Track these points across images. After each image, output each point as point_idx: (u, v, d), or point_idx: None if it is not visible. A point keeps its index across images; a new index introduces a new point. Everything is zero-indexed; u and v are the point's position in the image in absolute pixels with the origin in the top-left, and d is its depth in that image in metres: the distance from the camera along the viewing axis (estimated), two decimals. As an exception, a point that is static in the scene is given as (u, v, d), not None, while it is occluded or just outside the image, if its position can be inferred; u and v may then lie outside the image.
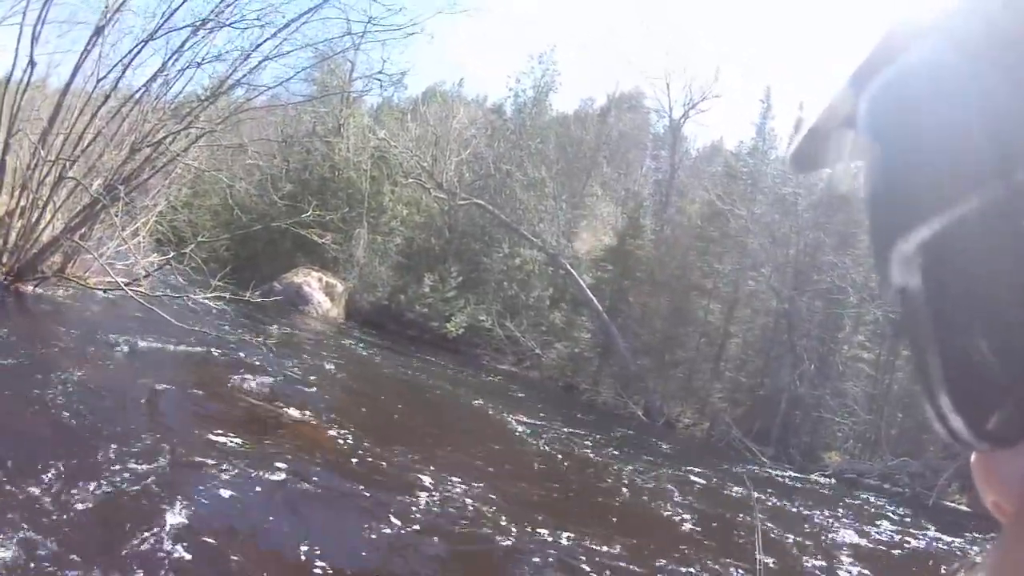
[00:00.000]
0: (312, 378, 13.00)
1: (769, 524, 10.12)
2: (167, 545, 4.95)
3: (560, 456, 12.25)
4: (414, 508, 7.23)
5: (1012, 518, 0.35)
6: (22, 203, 13.37)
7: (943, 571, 10.16)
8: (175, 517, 5.37)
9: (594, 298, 26.60)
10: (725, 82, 35.51)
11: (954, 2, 0.34)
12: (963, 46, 0.33)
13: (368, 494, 7.34)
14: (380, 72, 17.98)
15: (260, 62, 14.85)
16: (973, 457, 0.38)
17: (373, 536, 6.27)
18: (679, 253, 28.51)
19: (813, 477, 17.31)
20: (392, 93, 38.67)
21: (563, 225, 30.12)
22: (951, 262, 0.35)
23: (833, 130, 0.44)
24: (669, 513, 9.89)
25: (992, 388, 0.34)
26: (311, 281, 27.57)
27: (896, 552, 11.00)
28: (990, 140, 0.31)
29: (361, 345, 21.45)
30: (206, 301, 14.73)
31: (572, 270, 27.66)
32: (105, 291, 14.10)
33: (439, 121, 34.18)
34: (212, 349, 12.79)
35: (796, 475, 17.30)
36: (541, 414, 16.84)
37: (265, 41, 14.61)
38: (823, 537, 10.60)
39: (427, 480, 8.27)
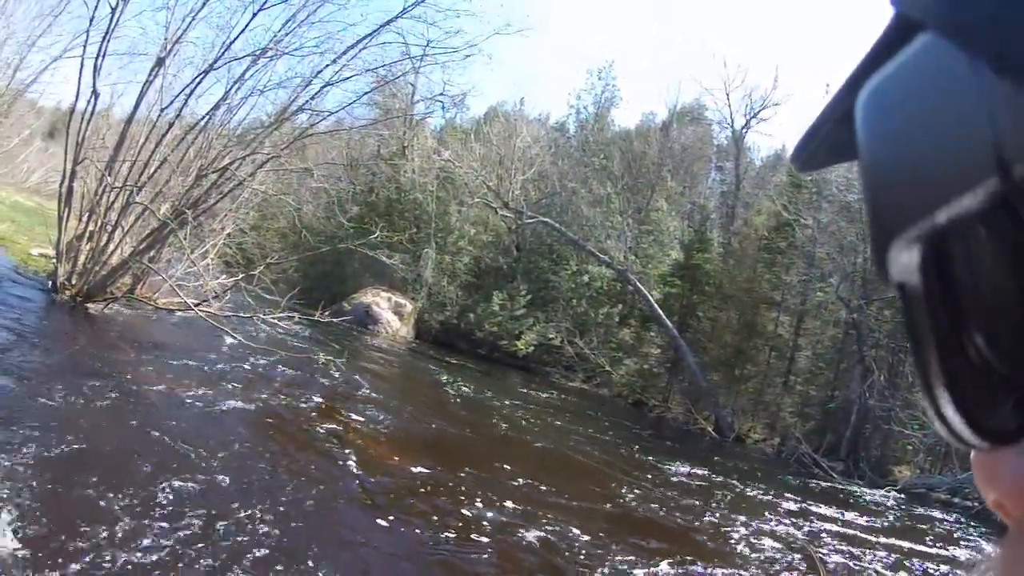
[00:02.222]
0: (382, 396, 13.27)
1: (836, 541, 10.48)
2: (227, 557, 5.13)
3: (628, 474, 12.31)
4: (482, 525, 7.33)
5: (1015, 517, 0.36)
6: (90, 227, 14.08)
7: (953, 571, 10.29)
8: (239, 531, 5.58)
9: (663, 313, 26.82)
10: (784, 89, 35.76)
11: None
12: (957, 40, 0.33)
13: (436, 511, 7.41)
14: (441, 94, 18.84)
15: (321, 88, 15.15)
16: (973, 456, 0.39)
17: (441, 554, 6.35)
18: (747, 265, 28.73)
19: (882, 492, 17.08)
20: (455, 114, 39.22)
21: (630, 241, 30.35)
22: (949, 258, 0.36)
23: (833, 128, 0.46)
24: (733, 531, 9.96)
25: (991, 386, 0.35)
26: (380, 301, 28.37)
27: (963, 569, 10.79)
28: (987, 135, 0.31)
29: (430, 364, 21.78)
30: (276, 321, 15.24)
31: (640, 286, 27.88)
32: (175, 311, 14.58)
33: (503, 140, 34.81)
34: (282, 367, 13.15)
35: (865, 490, 17.16)
36: (610, 431, 17.12)
37: (326, 67, 14.98)
38: (888, 553, 10.59)
39: (497, 499, 8.39)
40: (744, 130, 34.39)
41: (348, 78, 15.54)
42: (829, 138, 0.45)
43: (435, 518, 7.15)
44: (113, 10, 13.51)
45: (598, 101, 38.54)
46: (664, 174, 35.20)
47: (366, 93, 19.32)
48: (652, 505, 10.15)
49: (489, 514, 7.69)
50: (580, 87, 55.48)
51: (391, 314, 28.34)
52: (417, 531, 6.72)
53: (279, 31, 14.88)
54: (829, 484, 17.15)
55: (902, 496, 16.90)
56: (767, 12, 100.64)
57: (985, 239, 0.33)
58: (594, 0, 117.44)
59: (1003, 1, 0.31)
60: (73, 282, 13.69)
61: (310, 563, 5.43)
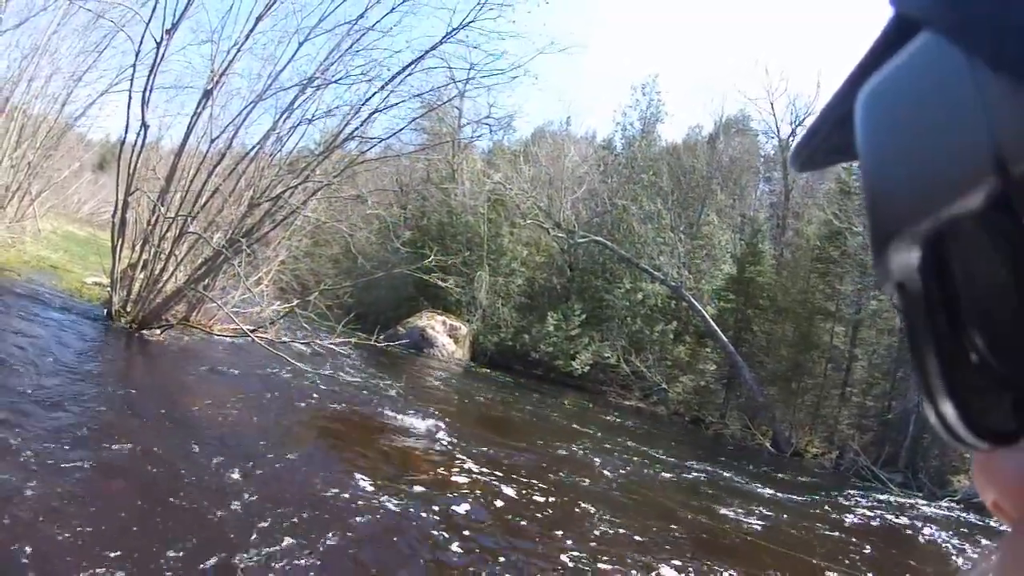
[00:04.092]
0: (440, 418, 13.27)
1: (894, 554, 10.83)
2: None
3: (688, 493, 12.55)
4: (543, 545, 7.48)
5: (1013, 518, 0.37)
6: (144, 256, 14.59)
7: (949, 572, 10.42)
8: (302, 550, 5.70)
9: (718, 329, 27.19)
10: (828, 95, 35.99)
11: None
12: (955, 39, 0.34)
13: (495, 530, 7.55)
14: (488, 116, 19.27)
15: (369, 115, 15.32)
16: (974, 458, 0.39)
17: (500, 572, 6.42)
18: (800, 277, 28.78)
19: (941, 504, 17.14)
20: (502, 136, 39.55)
21: (682, 256, 30.64)
22: (948, 258, 0.36)
23: (833, 128, 0.47)
24: (792, 547, 10.13)
25: (990, 386, 0.35)
26: (435, 324, 28.91)
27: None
28: (985, 134, 0.31)
29: (487, 385, 22.10)
30: (332, 346, 15.48)
31: (695, 301, 28.28)
32: (231, 338, 15.13)
33: (551, 160, 35.37)
34: (339, 392, 13.51)
35: (924, 502, 17.25)
36: (668, 450, 17.18)
37: (373, 95, 15.16)
38: (946, 565, 10.84)
39: (557, 517, 8.61)
40: (790, 139, 34.49)
41: (395, 104, 15.80)
42: (829, 138, 0.49)
43: (499, 540, 7.29)
44: (158, 45, 14.08)
45: (644, 117, 38.91)
46: (713, 187, 35.39)
47: (414, 119, 19.56)
48: (712, 523, 10.34)
49: (555, 538, 7.80)
50: (625, 103, 55.73)
51: (446, 337, 28.85)
52: (481, 552, 6.84)
53: (325, 60, 15.37)
54: (888, 496, 17.28)
55: (961, 506, 16.96)
56: (807, 18, 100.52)
57: (984, 238, 0.34)
58: (634, 15, 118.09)
59: (1000, 1, 0.32)
60: (128, 309, 14.26)
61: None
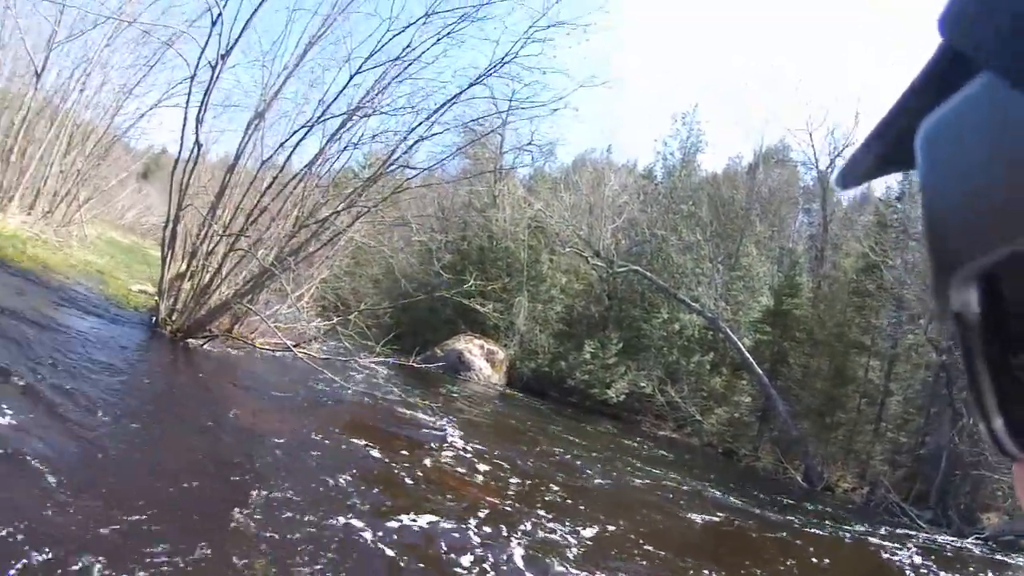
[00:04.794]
0: (473, 441, 13.55)
1: None
2: None
3: (717, 525, 12.71)
4: (573, 570, 7.68)
5: None
6: (191, 268, 15.08)
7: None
8: (322, 558, 5.92)
9: (753, 361, 27.18)
10: (866, 126, 35.82)
11: (1000, 33, 0.35)
12: (1014, 81, 0.34)
13: (524, 556, 7.66)
14: (529, 143, 19.00)
15: (415, 143, 15.72)
16: (1016, 468, 0.42)
17: None
18: (837, 310, 28.60)
19: (969, 542, 17.18)
20: (543, 163, 39.68)
21: (720, 288, 30.61)
22: (1007, 290, 0.38)
23: (879, 156, 0.49)
24: None
25: None
26: (472, 348, 29.15)
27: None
28: None
29: (522, 411, 22.36)
30: (371, 365, 16.13)
31: (731, 333, 28.25)
32: (272, 351, 15.50)
33: (591, 188, 35.57)
34: (375, 409, 13.90)
35: (951, 539, 17.50)
36: (699, 480, 17.46)
37: (419, 124, 15.47)
38: None
39: (586, 544, 8.81)
40: (829, 170, 33.87)
41: (440, 133, 16.27)
42: (874, 162, 0.51)
43: (526, 564, 7.49)
44: (213, 68, 14.65)
45: (684, 147, 38.96)
46: (752, 218, 35.44)
47: (459, 149, 20.13)
48: (740, 556, 10.58)
49: (577, 564, 7.97)
50: (666, 133, 55.92)
51: (483, 361, 29.10)
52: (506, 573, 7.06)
53: (371, 88, 15.70)
54: (915, 533, 17.33)
55: (989, 545, 17.03)
56: (846, 50, 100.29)
57: None
58: (674, 45, 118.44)
59: None
60: (174, 318, 14.77)
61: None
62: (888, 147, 0.48)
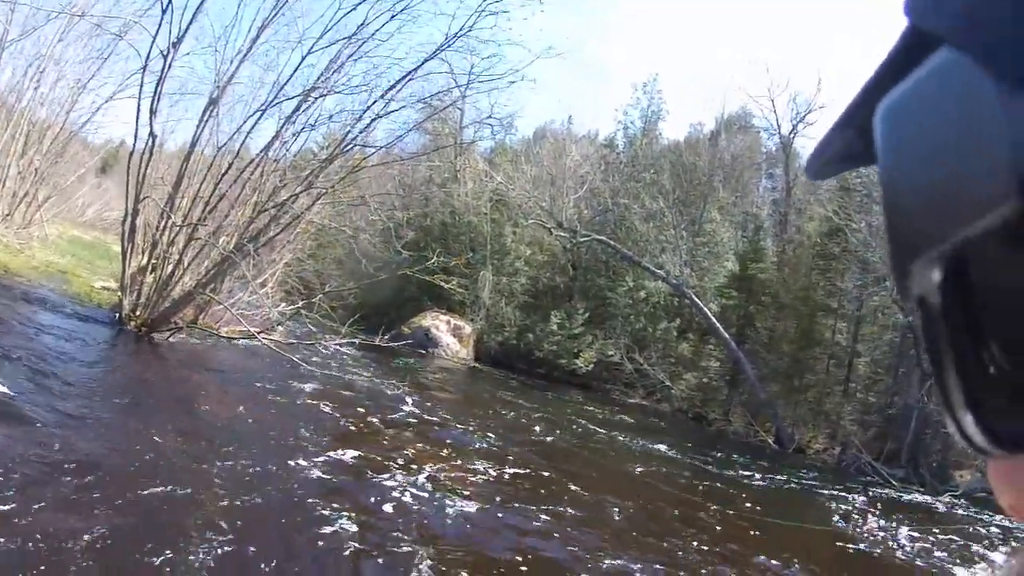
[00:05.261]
0: (445, 417, 13.71)
1: (893, 549, 10.90)
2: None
3: (690, 490, 12.67)
4: (547, 540, 7.65)
5: None
6: (153, 261, 15.07)
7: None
8: (302, 544, 5.91)
9: (720, 326, 27.34)
10: (829, 92, 35.80)
11: (965, 10, 0.35)
12: (978, 59, 0.34)
13: (501, 525, 7.75)
14: (489, 117, 19.50)
15: (371, 122, 15.56)
16: (990, 463, 0.40)
17: (506, 566, 6.56)
18: (802, 273, 28.67)
19: (943, 499, 17.19)
20: (504, 136, 39.59)
21: (685, 254, 30.70)
22: (971, 273, 0.37)
23: (847, 138, 0.48)
24: (792, 543, 10.28)
25: (1007, 395, 0.36)
26: (439, 324, 29.25)
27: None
28: (1008, 155, 0.31)
29: (491, 384, 22.42)
30: (337, 347, 16.10)
31: (697, 299, 28.29)
32: (238, 340, 15.42)
33: (553, 160, 35.44)
34: (345, 392, 13.70)
35: (925, 497, 17.47)
36: (670, 445, 17.39)
37: (374, 102, 15.26)
38: (947, 557, 10.90)
39: (560, 511, 8.79)
40: (792, 136, 34.64)
41: (397, 110, 16.04)
42: (842, 148, 0.50)
43: (502, 534, 7.55)
44: (165, 57, 14.36)
45: (645, 115, 39.02)
46: (715, 185, 35.64)
47: (417, 124, 19.81)
48: (711, 519, 10.50)
49: (554, 531, 8.04)
50: (626, 102, 55.79)
51: (450, 336, 29.15)
52: (485, 545, 7.09)
53: (326, 68, 15.58)
54: (889, 492, 17.43)
55: (963, 501, 17.08)
56: (808, 13, 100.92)
57: (1006, 256, 0.34)
58: (633, 12, 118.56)
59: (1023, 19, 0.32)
60: (138, 313, 14.61)
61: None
62: (856, 133, 0.47)
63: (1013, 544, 13.13)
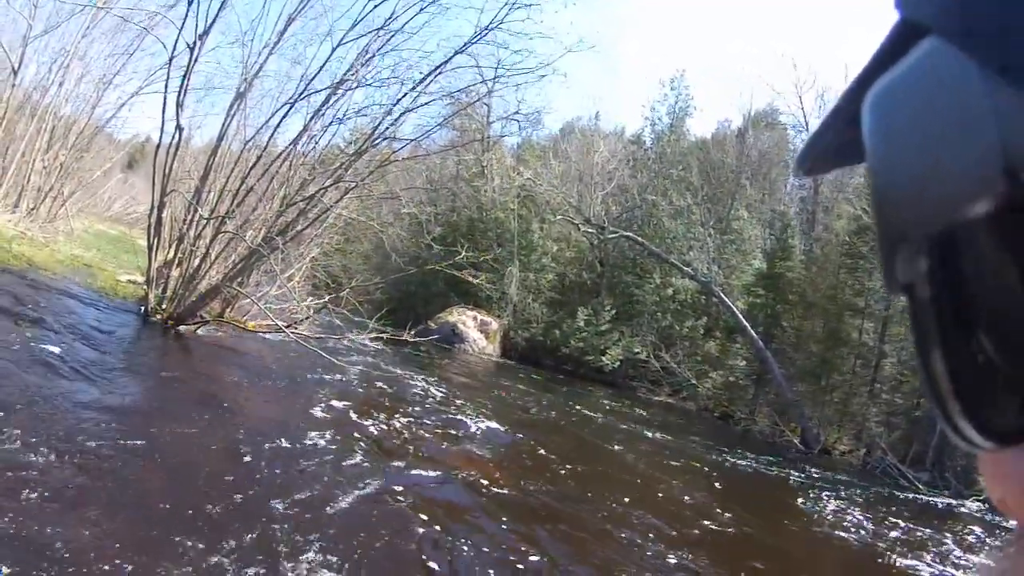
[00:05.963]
0: (470, 413, 13.50)
1: (917, 553, 10.80)
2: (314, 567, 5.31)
3: (716, 491, 12.59)
4: (571, 538, 7.66)
5: (1021, 516, 0.37)
6: (179, 254, 15.00)
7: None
8: (322, 539, 5.79)
9: (748, 325, 27.13)
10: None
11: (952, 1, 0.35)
12: (963, 47, 0.34)
13: (525, 525, 7.65)
14: (516, 112, 18.73)
15: (400, 115, 15.37)
16: (981, 457, 0.40)
17: (530, 564, 6.50)
18: (830, 272, 28.31)
19: (967, 503, 17.11)
20: (531, 132, 39.44)
21: (712, 252, 30.58)
22: (957, 261, 0.36)
23: (839, 131, 0.48)
24: (816, 545, 10.44)
25: (997, 387, 0.35)
26: (466, 320, 29.43)
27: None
28: (994, 141, 0.31)
29: (517, 381, 22.10)
30: (365, 341, 16.18)
31: (725, 297, 28.22)
32: (265, 334, 15.34)
33: (580, 156, 35.60)
34: (372, 386, 13.74)
35: (950, 501, 17.39)
36: (696, 444, 17.54)
37: (403, 96, 15.17)
38: (967, 564, 10.81)
39: (581, 508, 8.83)
40: None
41: (425, 104, 15.98)
42: (836, 141, 0.50)
43: (524, 531, 7.48)
44: (191, 49, 14.29)
45: (672, 111, 38.62)
46: (743, 182, 35.55)
47: (446, 120, 19.63)
48: (735, 517, 10.43)
49: (576, 530, 7.98)
50: (654, 98, 55.56)
51: (477, 332, 29.33)
52: (507, 543, 6.99)
53: (355, 62, 15.46)
54: (914, 495, 17.36)
55: (988, 505, 16.56)
56: (836, 10, 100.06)
57: (993, 242, 0.34)
58: (664, 10, 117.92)
59: (1009, 9, 0.32)
60: (164, 306, 14.62)
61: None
62: (848, 126, 0.46)
63: (996, 545, 13.10)
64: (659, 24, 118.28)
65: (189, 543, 5.13)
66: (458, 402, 14.46)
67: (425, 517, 7.07)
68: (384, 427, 10.73)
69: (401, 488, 7.82)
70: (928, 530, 13.12)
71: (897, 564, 10.32)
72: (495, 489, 8.83)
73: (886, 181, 0.41)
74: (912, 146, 0.39)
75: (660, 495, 11.08)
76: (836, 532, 11.40)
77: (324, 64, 15.60)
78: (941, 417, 0.39)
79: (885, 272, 0.41)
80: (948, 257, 0.37)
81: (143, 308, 14.72)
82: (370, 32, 15.29)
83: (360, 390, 13.11)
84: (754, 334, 26.95)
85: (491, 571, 6.24)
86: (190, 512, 5.70)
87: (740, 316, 27.51)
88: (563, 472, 10.80)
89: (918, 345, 0.39)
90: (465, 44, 15.18)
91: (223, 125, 16.03)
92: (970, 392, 0.37)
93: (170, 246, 15.56)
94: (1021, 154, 0.31)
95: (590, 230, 32.48)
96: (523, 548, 6.94)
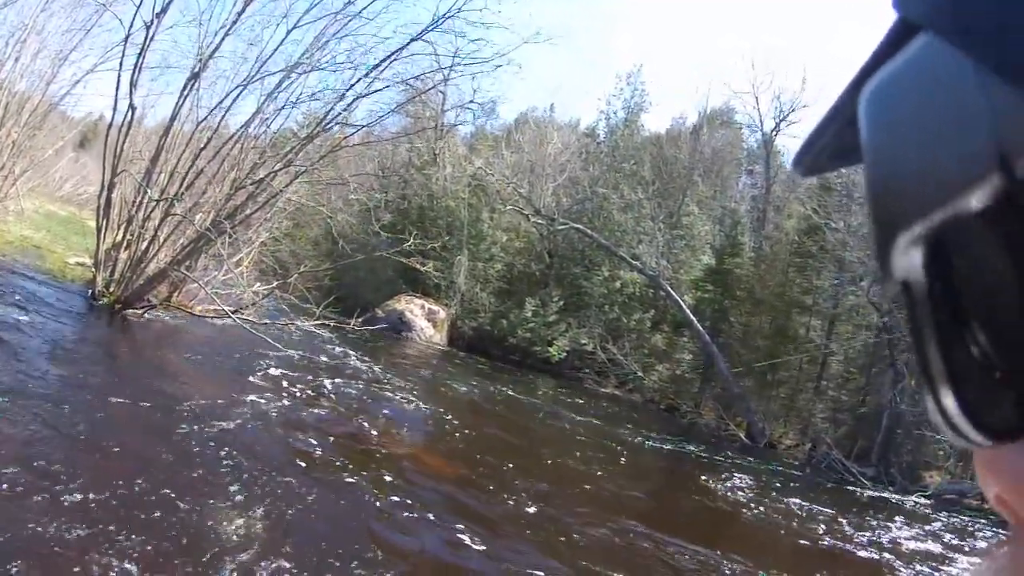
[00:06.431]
0: (416, 402, 13.47)
1: (863, 548, 10.79)
2: (262, 558, 5.26)
3: (659, 480, 12.85)
4: (511, 526, 7.69)
5: (1017, 513, 0.37)
6: (127, 237, 14.70)
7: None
8: (273, 536, 5.72)
9: (695, 319, 27.04)
10: (813, 90, 35.69)
11: None
12: (958, 42, 0.34)
13: (472, 513, 7.72)
14: (471, 101, 18.97)
15: (353, 101, 15.51)
16: (976, 453, 0.40)
17: (474, 556, 6.51)
18: (778, 270, 28.75)
19: (912, 499, 17.11)
20: (485, 121, 39.45)
21: (662, 246, 30.46)
22: (952, 255, 0.36)
23: (836, 132, 0.48)
24: (759, 537, 10.51)
25: (993, 382, 0.35)
26: (413, 308, 28.78)
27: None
28: (989, 135, 0.32)
29: (464, 370, 22.04)
30: (311, 328, 15.91)
31: (673, 291, 28.10)
32: (212, 319, 15.21)
33: (533, 147, 35.32)
34: (317, 373, 13.41)
35: (896, 497, 17.33)
36: (642, 437, 17.40)
37: (357, 81, 15.24)
38: (914, 561, 10.78)
39: (525, 502, 8.66)
40: (774, 133, 34.39)
41: (379, 90, 16.02)
42: (832, 142, 0.49)
43: (467, 520, 7.42)
44: (148, 27, 14.07)
45: (628, 106, 38.55)
46: (695, 178, 35.50)
47: (399, 105, 19.74)
48: (680, 510, 10.59)
49: (518, 515, 8.08)
50: (610, 92, 55.59)
51: (424, 321, 28.77)
52: (451, 532, 6.99)
53: (310, 45, 15.40)
54: (859, 490, 17.43)
55: (932, 502, 17.10)
56: (792, 12, 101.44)
57: (989, 236, 0.34)
58: (665, 24, 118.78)
59: (1003, 7, 0.32)
60: (111, 290, 14.35)
61: (346, 564, 5.74)
62: (846, 125, 0.46)
63: (988, 543, 13.08)
64: (651, 19, 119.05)
65: (122, 530, 5.05)
66: (400, 390, 14.25)
67: (358, 502, 7.19)
68: (324, 413, 10.70)
69: (333, 472, 7.90)
70: (872, 523, 13.18)
71: (839, 555, 10.35)
72: (428, 476, 8.88)
73: (881, 175, 0.41)
74: (908, 141, 0.39)
75: (596, 484, 11.08)
76: (779, 524, 11.41)
77: (279, 47, 15.60)
78: (936, 411, 0.38)
79: (879, 265, 0.41)
80: (944, 251, 0.37)
81: (91, 291, 14.48)
82: (327, 15, 15.26)
83: (305, 377, 12.84)
84: (701, 328, 26.99)
85: (411, 558, 6.32)
86: (125, 497, 5.62)
87: (687, 310, 27.57)
88: (497, 460, 10.70)
89: (914, 339, 0.39)
90: (422, 31, 15.17)
91: (176, 105, 15.67)
92: (966, 388, 0.37)
93: (119, 228, 15.21)
94: (1016, 149, 0.31)
95: (540, 221, 32.28)
96: (450, 536, 6.94)
